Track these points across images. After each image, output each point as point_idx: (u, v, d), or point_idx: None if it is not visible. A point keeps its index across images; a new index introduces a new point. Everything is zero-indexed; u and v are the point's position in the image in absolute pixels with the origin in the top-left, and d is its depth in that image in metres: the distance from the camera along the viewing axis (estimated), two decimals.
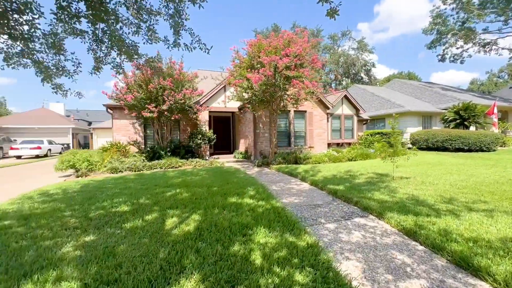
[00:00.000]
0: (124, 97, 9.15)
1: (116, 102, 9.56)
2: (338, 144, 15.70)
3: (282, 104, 9.45)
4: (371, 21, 73.35)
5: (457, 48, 25.89)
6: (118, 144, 11.24)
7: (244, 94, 9.51)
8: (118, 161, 9.62)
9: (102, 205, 4.42)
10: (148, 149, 11.20)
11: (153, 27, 3.89)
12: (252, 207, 4.13)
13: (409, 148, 16.59)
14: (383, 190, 5.07)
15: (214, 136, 11.65)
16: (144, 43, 3.96)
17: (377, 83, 40.95)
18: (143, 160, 10.39)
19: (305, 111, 13.32)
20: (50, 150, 20.13)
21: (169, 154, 10.96)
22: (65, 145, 25.07)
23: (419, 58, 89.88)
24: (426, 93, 20.81)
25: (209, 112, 14.20)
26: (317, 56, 8.93)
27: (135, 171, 9.12)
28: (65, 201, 4.81)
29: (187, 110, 10.66)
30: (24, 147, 18.00)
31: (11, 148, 18.03)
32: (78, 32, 3.56)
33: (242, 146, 14.08)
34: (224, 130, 16.07)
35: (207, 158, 12.49)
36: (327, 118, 14.76)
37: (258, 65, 8.60)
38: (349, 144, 15.96)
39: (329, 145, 15.18)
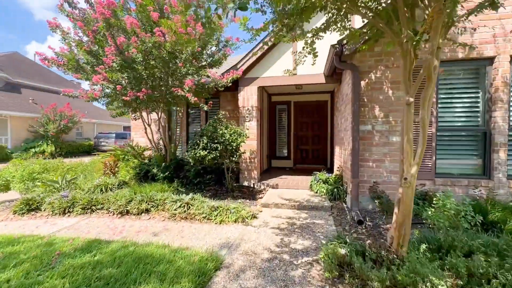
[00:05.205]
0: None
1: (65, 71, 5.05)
2: None
3: None
4: None
5: None
6: (122, 150, 7.21)
7: None
8: (73, 182, 5.34)
9: None
10: (146, 161, 6.33)
11: None
12: None
13: None
14: None
15: (239, 142, 4.84)
16: None
17: None
18: (121, 182, 5.62)
19: None
20: None
21: (166, 174, 5.56)
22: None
23: None
24: None
25: (271, 90, 7.63)
26: None
27: (59, 212, 4.38)
28: None
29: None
30: None
31: None
32: None
33: (337, 161, 6.34)
34: (316, 128, 8.72)
35: (252, 184, 6.01)
36: None
37: None
38: None
39: None
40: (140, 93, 4.17)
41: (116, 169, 6.41)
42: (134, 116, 6.19)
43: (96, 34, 4.26)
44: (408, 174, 2.14)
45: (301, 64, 3.65)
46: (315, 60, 3.42)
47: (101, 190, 5.31)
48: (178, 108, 5.91)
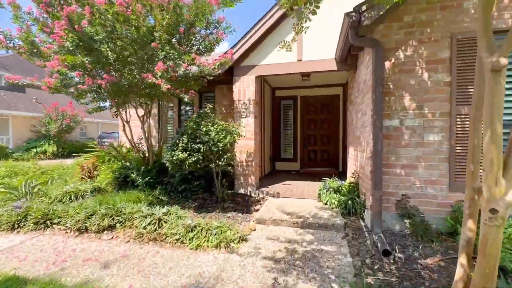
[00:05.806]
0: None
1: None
2: None
3: None
4: None
5: None
6: (106, 151, 6.45)
7: None
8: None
9: None
10: (128, 164, 5.51)
11: None
12: None
13: None
14: None
15: (227, 141, 3.89)
16: None
17: None
18: (96, 188, 4.82)
19: None
20: None
21: (147, 180, 4.71)
22: None
23: None
24: None
25: (269, 78, 6.73)
26: None
27: (7, 227, 3.59)
28: None
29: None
30: None
31: None
32: None
33: (351, 164, 5.29)
34: (326, 126, 7.66)
35: (248, 192, 5.07)
36: None
37: None
38: None
39: None
40: (102, 81, 3.32)
41: (96, 172, 5.63)
42: (116, 112, 5.40)
43: (48, 7, 3.46)
44: (497, 202, 1.13)
45: (303, 33, 2.68)
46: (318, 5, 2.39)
47: (70, 198, 4.53)
48: (162, 103, 5.04)
